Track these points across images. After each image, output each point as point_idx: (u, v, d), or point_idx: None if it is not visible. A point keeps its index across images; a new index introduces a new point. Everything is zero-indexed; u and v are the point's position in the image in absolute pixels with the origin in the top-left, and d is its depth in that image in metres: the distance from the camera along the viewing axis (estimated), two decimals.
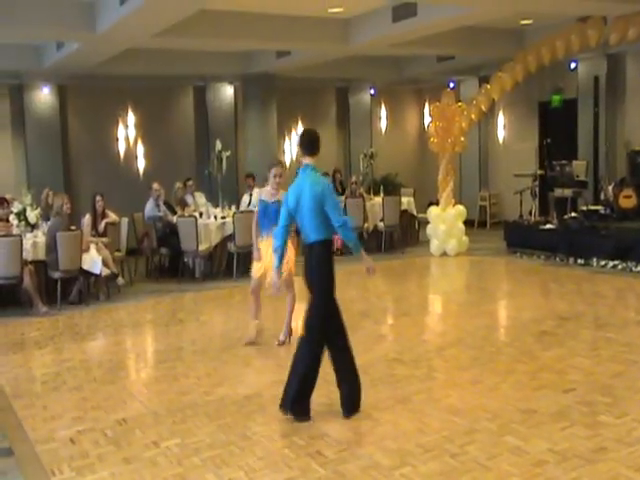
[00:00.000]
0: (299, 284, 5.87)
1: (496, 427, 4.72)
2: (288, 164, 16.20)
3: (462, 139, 12.72)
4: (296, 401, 5.01)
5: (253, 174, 12.96)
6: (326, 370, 6.21)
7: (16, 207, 9.98)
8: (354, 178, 13.87)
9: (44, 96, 13.30)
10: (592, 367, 5.96)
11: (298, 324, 6.32)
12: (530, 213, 13.34)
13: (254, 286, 7.10)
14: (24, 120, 13.29)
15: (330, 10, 10.49)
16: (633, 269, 10.30)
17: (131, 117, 14.43)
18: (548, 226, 12.17)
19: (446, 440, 4.54)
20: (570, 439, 4.48)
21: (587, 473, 4.01)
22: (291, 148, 16.39)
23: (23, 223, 9.86)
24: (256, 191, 12.66)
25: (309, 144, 5.25)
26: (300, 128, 16.48)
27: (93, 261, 9.48)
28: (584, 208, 12.44)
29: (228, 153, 12.30)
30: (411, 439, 4.58)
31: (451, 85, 15.80)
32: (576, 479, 3.95)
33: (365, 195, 13.56)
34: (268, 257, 6.65)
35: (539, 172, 13.80)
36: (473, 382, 5.70)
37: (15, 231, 9.56)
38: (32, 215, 9.95)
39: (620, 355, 6.26)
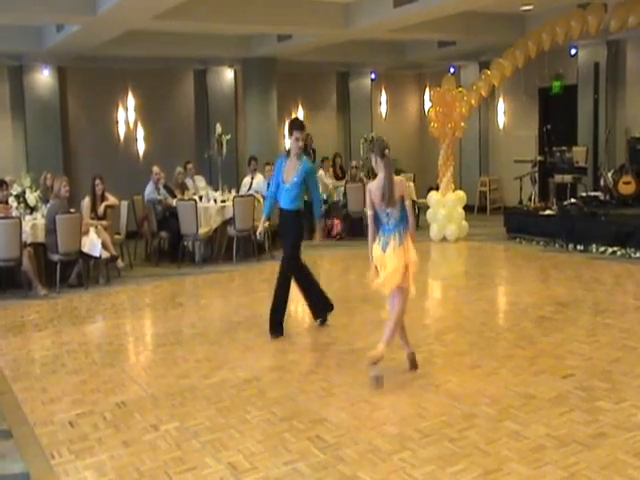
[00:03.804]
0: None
1: (495, 412, 4.73)
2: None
3: (462, 124, 12.68)
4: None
5: (256, 157, 12.92)
6: (325, 362, 6.24)
7: (15, 189, 9.96)
8: (354, 163, 13.85)
9: (44, 78, 13.23)
10: (591, 353, 5.97)
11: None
12: (530, 199, 13.32)
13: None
14: (24, 102, 13.22)
15: None
16: (632, 255, 10.30)
17: (131, 100, 14.37)
18: (548, 212, 12.15)
19: (445, 425, 4.55)
20: (569, 424, 4.49)
21: (586, 458, 4.02)
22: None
23: (22, 205, 9.84)
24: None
25: None
26: (301, 112, 16.45)
27: (93, 244, 9.47)
28: (584, 194, 12.42)
29: (228, 137, 12.26)
30: (410, 424, 4.59)
31: (452, 70, 15.73)
32: (575, 464, 3.96)
33: (365, 180, 13.52)
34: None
35: (539, 158, 13.79)
36: (472, 367, 5.71)
37: (14, 213, 9.55)
38: (31, 197, 9.93)
39: (619, 341, 6.27)
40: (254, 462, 4.14)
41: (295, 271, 6.82)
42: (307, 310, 7.21)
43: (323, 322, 7.12)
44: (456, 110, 12.48)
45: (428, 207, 12.86)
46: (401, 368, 5.70)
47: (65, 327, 7.57)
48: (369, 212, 5.48)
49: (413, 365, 5.63)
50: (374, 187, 5.42)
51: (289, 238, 6.83)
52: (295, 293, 6.98)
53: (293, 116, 16.33)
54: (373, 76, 17.12)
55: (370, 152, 5.70)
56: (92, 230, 9.64)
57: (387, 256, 5.32)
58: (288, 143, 6.95)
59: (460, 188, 13.47)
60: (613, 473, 3.85)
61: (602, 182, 12.56)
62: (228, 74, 15.17)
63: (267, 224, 7.38)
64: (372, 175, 14.33)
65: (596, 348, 6.10)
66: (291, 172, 6.72)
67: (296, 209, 6.76)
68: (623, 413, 4.65)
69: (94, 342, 7.08)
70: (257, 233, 7.35)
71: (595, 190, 12.78)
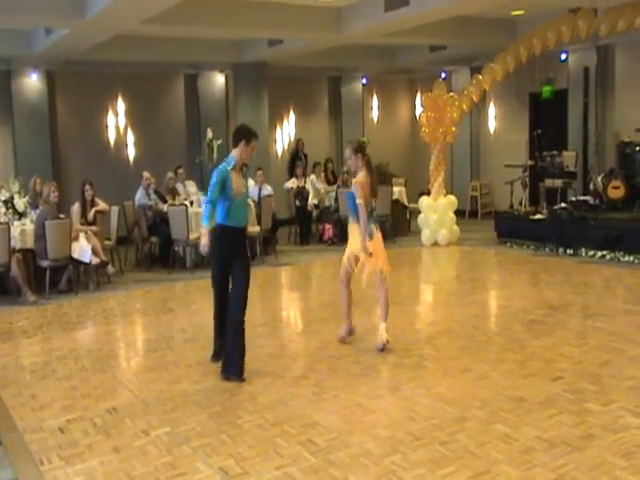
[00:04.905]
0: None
1: (485, 415, 4.75)
2: (280, 154, 16.22)
3: (453, 129, 12.72)
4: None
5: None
6: (316, 366, 6.23)
7: (4, 195, 9.92)
8: (346, 167, 13.84)
9: (32, 82, 13.16)
10: (580, 356, 6.00)
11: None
12: (520, 203, 13.36)
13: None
14: (12, 106, 13.13)
15: None
16: (621, 259, 10.35)
17: (121, 104, 14.33)
18: (538, 216, 12.20)
19: (436, 428, 4.56)
20: (558, 427, 4.51)
21: (574, 460, 4.05)
22: (282, 137, 16.37)
23: (11, 211, 9.80)
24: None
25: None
26: (292, 117, 16.47)
27: (82, 250, 9.44)
28: (573, 199, 12.48)
29: (219, 142, 12.25)
30: (401, 427, 4.60)
31: (443, 75, 15.79)
32: (564, 466, 3.98)
33: None
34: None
35: (529, 163, 13.83)
36: (463, 371, 5.72)
37: (3, 219, 9.50)
38: (20, 203, 9.89)
39: (608, 344, 6.30)
40: (245, 467, 4.14)
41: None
42: (297, 316, 7.20)
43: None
44: (447, 115, 12.53)
45: (419, 212, 12.88)
46: (393, 372, 5.71)
47: (55, 333, 7.54)
48: (363, 202, 6.10)
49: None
50: (364, 182, 6.17)
51: (245, 260, 5.83)
52: (295, 296, 6.96)
53: (285, 121, 16.35)
54: (365, 81, 17.16)
55: (353, 153, 6.25)
56: (82, 236, 9.60)
57: (375, 242, 6.20)
58: (237, 152, 5.97)
59: (451, 193, 13.52)
60: (601, 474, 3.88)
61: (592, 186, 12.61)
62: (219, 79, 15.16)
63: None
64: None
65: (585, 351, 6.13)
66: (240, 184, 5.93)
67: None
68: (611, 415, 4.68)
69: (84, 348, 7.04)
70: (202, 247, 5.97)
71: (585, 194, 12.83)
